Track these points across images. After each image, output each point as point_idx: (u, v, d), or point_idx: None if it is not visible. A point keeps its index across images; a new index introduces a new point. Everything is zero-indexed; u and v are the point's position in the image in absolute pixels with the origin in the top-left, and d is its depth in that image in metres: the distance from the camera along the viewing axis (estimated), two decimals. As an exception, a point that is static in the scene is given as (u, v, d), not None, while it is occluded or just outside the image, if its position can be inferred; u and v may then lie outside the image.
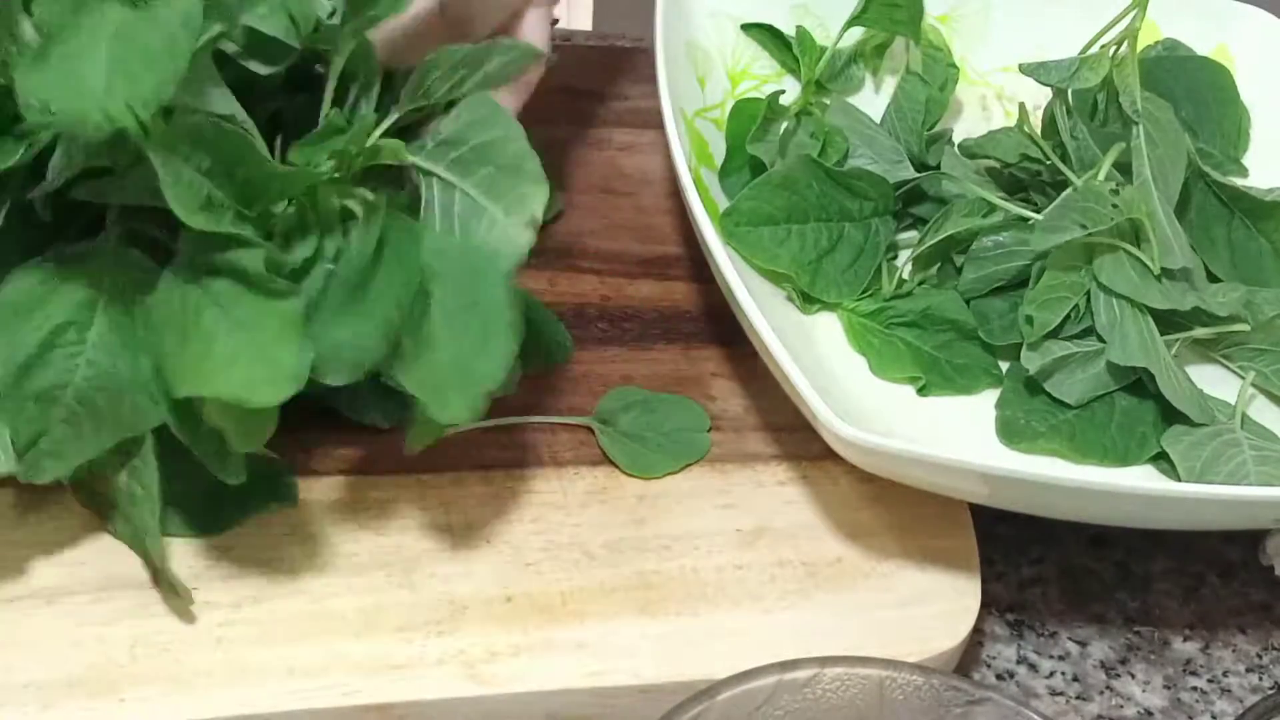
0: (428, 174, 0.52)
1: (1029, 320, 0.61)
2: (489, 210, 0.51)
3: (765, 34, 0.73)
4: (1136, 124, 0.63)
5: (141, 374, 0.48)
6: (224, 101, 0.48)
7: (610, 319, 0.66)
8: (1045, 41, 0.73)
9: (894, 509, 0.58)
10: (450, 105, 0.53)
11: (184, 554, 0.52)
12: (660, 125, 0.62)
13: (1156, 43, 0.76)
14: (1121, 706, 0.58)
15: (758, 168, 0.67)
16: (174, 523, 0.52)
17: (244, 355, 0.43)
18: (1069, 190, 0.62)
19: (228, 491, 0.50)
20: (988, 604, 0.60)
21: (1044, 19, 0.75)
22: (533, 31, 0.61)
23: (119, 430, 0.48)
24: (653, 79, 0.64)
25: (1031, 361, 0.61)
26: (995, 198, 0.65)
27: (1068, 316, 0.61)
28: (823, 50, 0.69)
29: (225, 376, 0.43)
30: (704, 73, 0.70)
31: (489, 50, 0.54)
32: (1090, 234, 0.59)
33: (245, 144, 0.46)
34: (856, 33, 0.72)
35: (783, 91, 0.70)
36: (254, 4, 0.50)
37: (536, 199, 0.51)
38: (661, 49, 0.65)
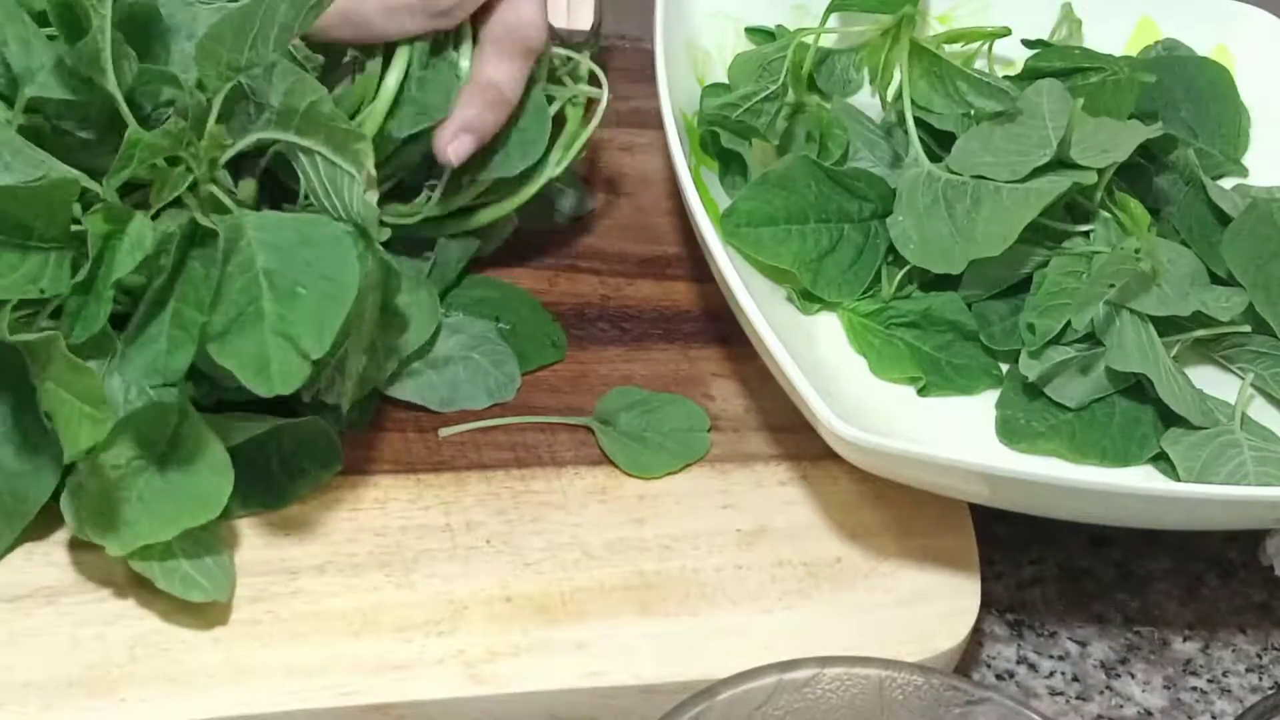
0: (290, 146, 0.52)
1: (1030, 328, 0.61)
2: (342, 167, 0.51)
3: (767, 38, 0.72)
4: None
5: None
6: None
7: (610, 319, 0.66)
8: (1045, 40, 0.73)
9: (894, 509, 0.58)
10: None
11: (184, 554, 0.52)
12: (660, 125, 0.62)
13: (1156, 43, 0.76)
14: (1121, 706, 0.58)
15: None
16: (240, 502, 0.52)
17: (74, 412, 0.45)
18: (1104, 255, 0.61)
19: (279, 467, 0.53)
20: (988, 604, 0.60)
21: (1044, 18, 0.75)
22: (524, 14, 0.59)
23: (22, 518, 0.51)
24: (653, 79, 0.64)
25: (1031, 369, 0.61)
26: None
27: (1068, 323, 0.61)
28: (805, 46, 0.68)
29: (75, 437, 0.45)
30: (704, 73, 0.70)
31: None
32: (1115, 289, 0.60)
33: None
34: (855, 35, 0.72)
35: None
36: (31, 76, 0.50)
37: (366, 154, 0.51)
38: (661, 49, 0.65)
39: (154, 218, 0.50)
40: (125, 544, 0.48)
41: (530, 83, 0.61)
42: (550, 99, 0.63)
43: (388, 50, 0.58)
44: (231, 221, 0.49)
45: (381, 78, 0.58)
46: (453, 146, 0.58)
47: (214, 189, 0.51)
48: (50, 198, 0.47)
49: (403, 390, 0.59)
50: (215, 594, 0.49)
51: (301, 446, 0.54)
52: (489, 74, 0.59)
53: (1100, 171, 0.63)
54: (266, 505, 0.53)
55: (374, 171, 0.51)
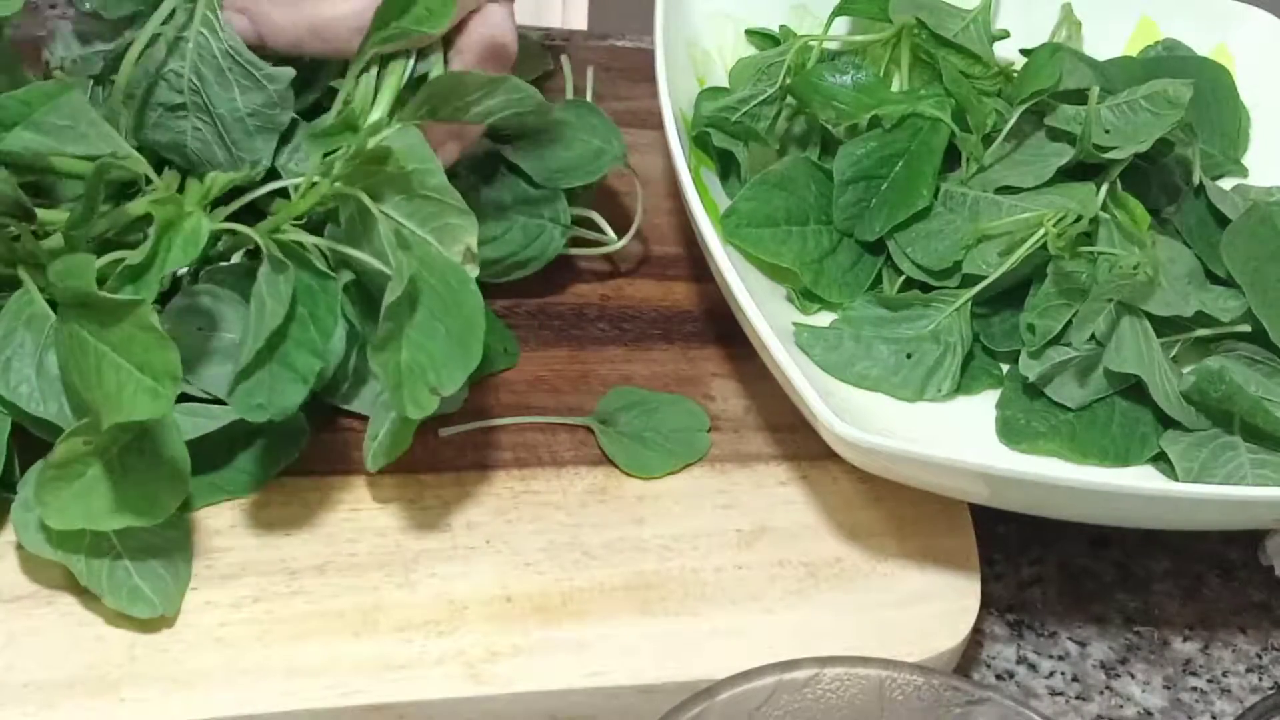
0: (345, 196, 0.52)
1: (1030, 328, 0.61)
2: (418, 236, 0.52)
3: (766, 40, 0.73)
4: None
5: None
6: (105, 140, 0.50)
7: (610, 319, 0.66)
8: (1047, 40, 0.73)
9: (894, 509, 0.58)
10: None
11: (184, 554, 0.52)
12: (660, 125, 0.62)
13: (1156, 43, 0.76)
14: (1121, 706, 0.58)
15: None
16: (208, 492, 0.53)
17: (127, 377, 0.45)
18: (1110, 271, 0.61)
19: (244, 452, 0.53)
20: (988, 604, 0.60)
21: (1045, 17, 0.75)
22: (496, 25, 0.58)
23: None
24: (653, 79, 0.64)
25: (1030, 369, 0.61)
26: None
27: (1068, 322, 0.61)
28: (807, 49, 0.68)
29: (119, 403, 0.45)
30: (704, 73, 0.70)
31: (496, 84, 0.55)
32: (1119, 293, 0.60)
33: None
34: (857, 40, 0.72)
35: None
36: None
37: (467, 230, 0.52)
38: (661, 49, 0.64)
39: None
40: (63, 518, 0.47)
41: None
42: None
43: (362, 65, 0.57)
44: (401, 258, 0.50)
45: (375, 97, 0.57)
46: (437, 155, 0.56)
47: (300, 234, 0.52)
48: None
49: (355, 402, 0.57)
50: (163, 608, 0.49)
51: (264, 433, 0.54)
52: None
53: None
54: (230, 494, 0.53)
55: (476, 249, 0.52)
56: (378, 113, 0.56)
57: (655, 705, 0.50)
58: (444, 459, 0.57)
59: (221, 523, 0.53)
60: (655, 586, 0.54)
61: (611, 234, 0.65)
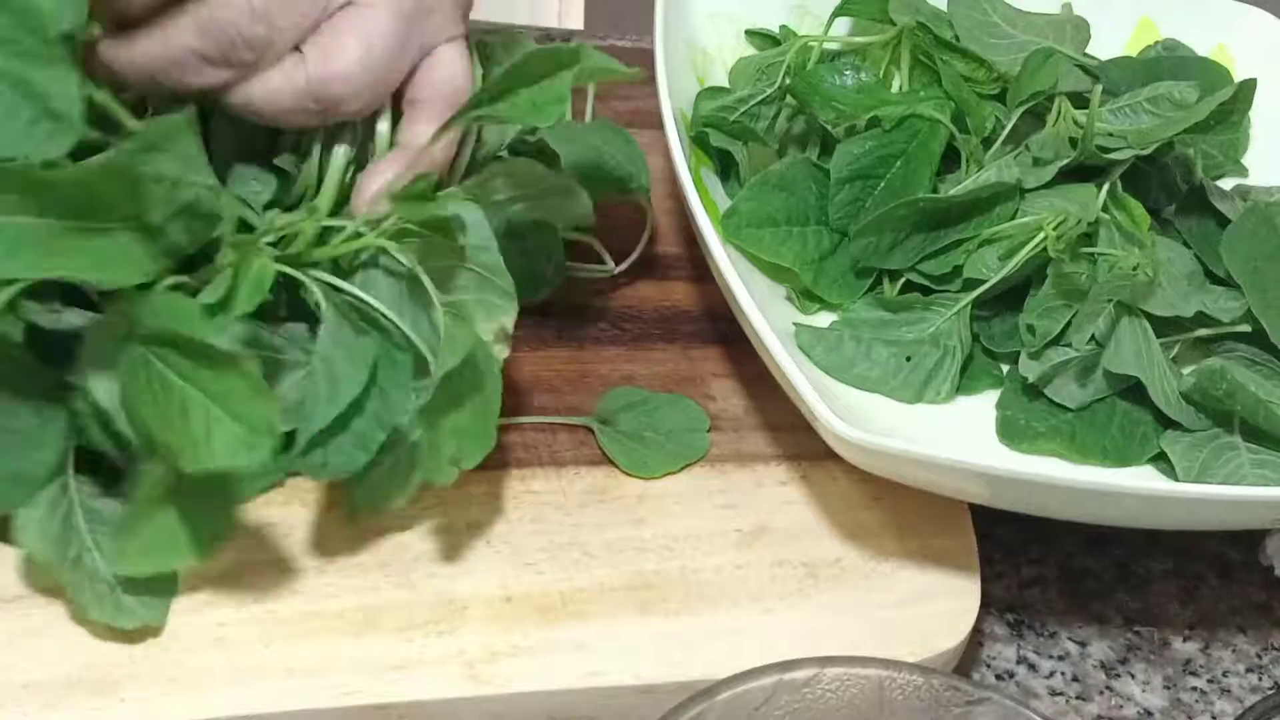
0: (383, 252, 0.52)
1: (1030, 329, 0.61)
2: (465, 313, 0.52)
3: (766, 40, 0.73)
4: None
5: None
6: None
7: (610, 319, 0.66)
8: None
9: (894, 509, 0.58)
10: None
11: (184, 554, 0.52)
12: (660, 125, 0.62)
13: (1156, 43, 0.76)
14: (1121, 706, 0.58)
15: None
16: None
17: (219, 425, 0.44)
18: (1110, 272, 0.61)
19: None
20: (988, 604, 0.60)
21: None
22: (447, 68, 0.56)
23: None
24: (653, 79, 0.64)
25: (1030, 370, 0.61)
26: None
27: (1068, 323, 0.61)
28: (807, 50, 0.68)
29: (209, 450, 0.44)
30: (704, 73, 0.70)
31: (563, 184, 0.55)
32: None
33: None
34: (857, 41, 0.72)
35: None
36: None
37: (505, 311, 0.53)
38: (661, 49, 0.65)
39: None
40: (140, 564, 0.47)
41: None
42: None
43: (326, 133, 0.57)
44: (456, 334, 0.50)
45: (321, 167, 0.56)
46: (368, 207, 0.54)
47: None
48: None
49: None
50: (147, 619, 0.49)
51: None
52: (416, 135, 0.56)
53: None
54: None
55: (510, 331, 0.53)
56: (330, 189, 0.56)
57: (655, 705, 0.50)
58: (444, 459, 0.57)
59: (221, 523, 0.53)
60: (655, 586, 0.54)
61: (610, 262, 0.65)
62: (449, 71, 0.56)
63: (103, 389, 0.47)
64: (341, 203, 0.56)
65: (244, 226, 0.53)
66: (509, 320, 0.53)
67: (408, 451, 0.52)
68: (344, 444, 0.50)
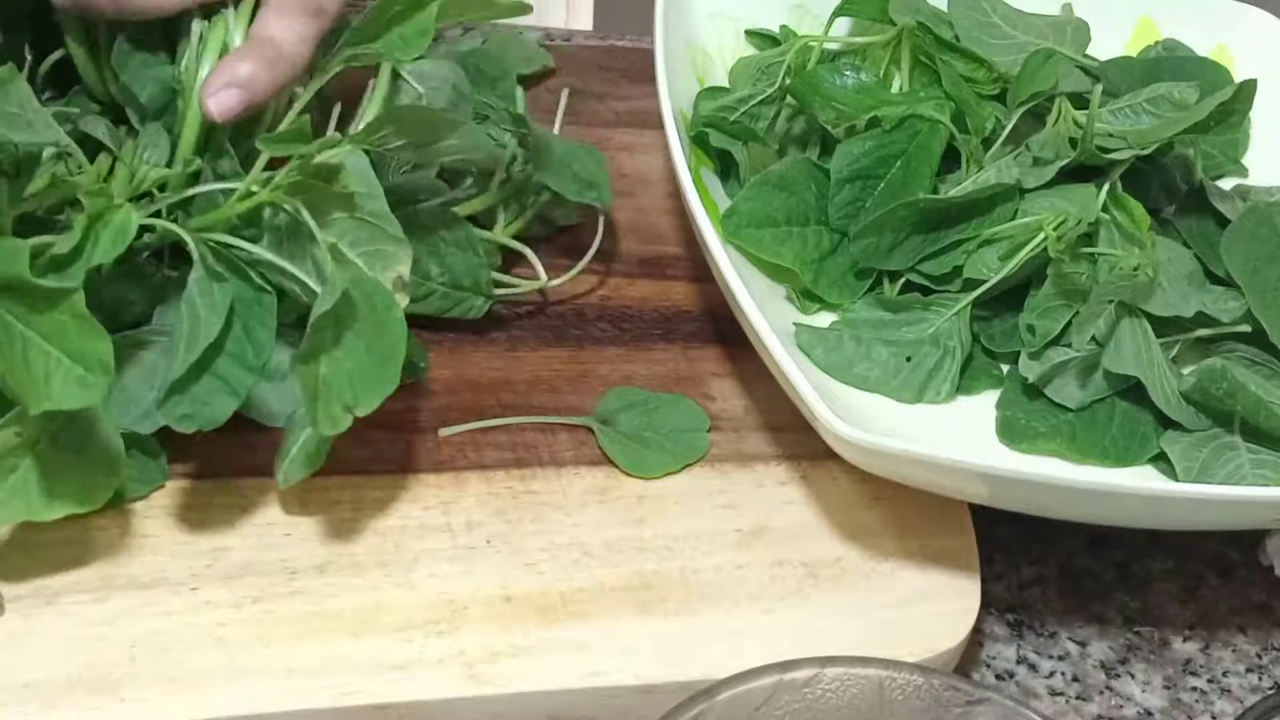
0: (278, 207, 0.52)
1: (1030, 329, 0.61)
2: (349, 256, 0.52)
3: (766, 40, 0.73)
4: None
5: None
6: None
7: (610, 319, 0.66)
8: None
9: (894, 509, 0.58)
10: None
11: (184, 553, 0.52)
12: (660, 125, 0.62)
13: (1156, 43, 0.76)
14: (1121, 706, 0.58)
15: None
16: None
17: (55, 365, 0.45)
18: (1110, 272, 0.61)
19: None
20: (988, 604, 0.60)
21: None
22: None
23: None
24: (653, 79, 0.64)
25: (1030, 370, 0.61)
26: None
27: (1068, 323, 0.61)
28: (807, 50, 0.68)
29: (48, 391, 0.45)
30: (704, 73, 0.70)
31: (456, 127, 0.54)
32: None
33: None
34: (857, 41, 0.72)
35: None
36: None
37: (400, 259, 0.52)
38: (661, 49, 0.65)
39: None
40: (4, 513, 0.48)
41: None
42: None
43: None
44: (339, 276, 0.50)
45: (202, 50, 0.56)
46: (214, 100, 0.53)
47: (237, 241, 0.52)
48: None
49: (254, 411, 0.56)
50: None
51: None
52: (268, 30, 0.55)
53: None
54: (154, 484, 0.53)
55: (408, 278, 0.52)
56: (205, 66, 0.55)
57: (655, 705, 0.50)
58: (444, 459, 0.57)
59: (221, 522, 0.53)
60: (655, 586, 0.54)
61: (543, 275, 0.64)
62: None
63: None
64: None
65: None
66: (404, 268, 0.52)
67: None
68: (210, 391, 0.50)
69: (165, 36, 0.57)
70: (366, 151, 0.53)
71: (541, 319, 0.65)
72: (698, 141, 0.66)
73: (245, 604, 0.51)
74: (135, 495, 0.53)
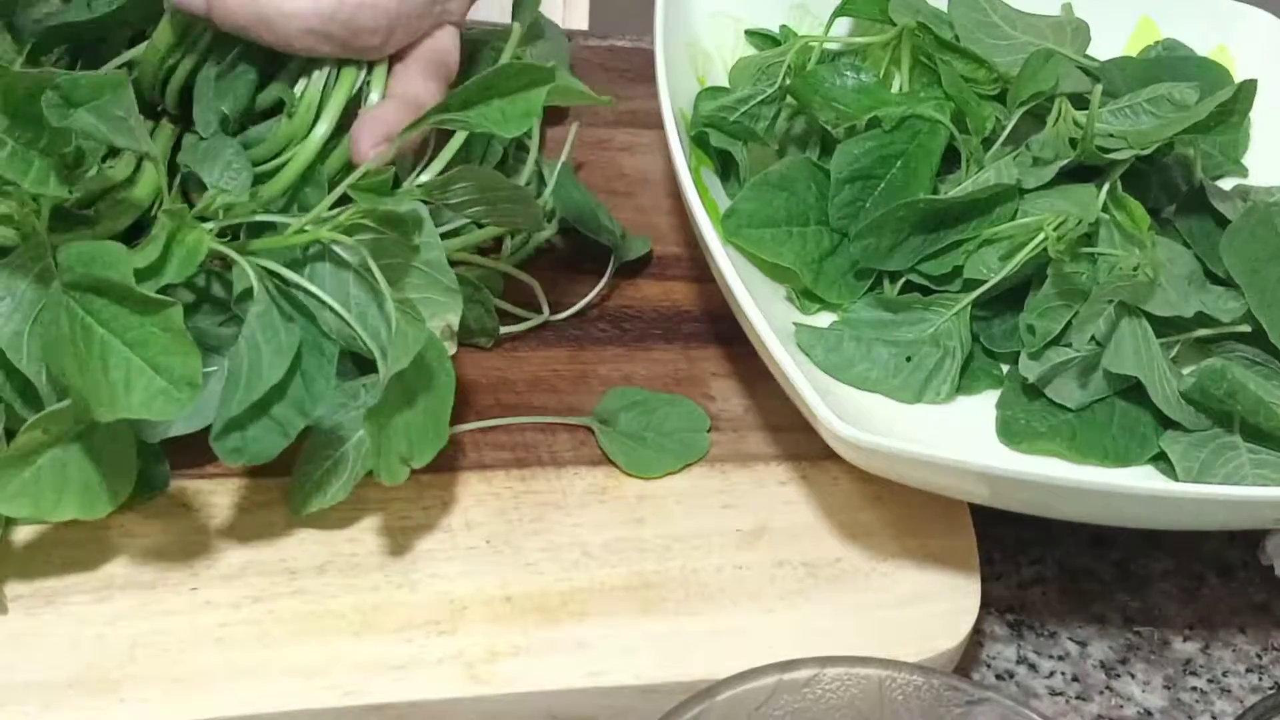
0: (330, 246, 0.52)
1: (1030, 329, 0.61)
2: (414, 313, 0.52)
3: (766, 40, 0.73)
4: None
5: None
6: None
7: (610, 319, 0.66)
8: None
9: (894, 509, 0.58)
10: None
11: (184, 553, 0.52)
12: (660, 125, 0.62)
13: (1156, 43, 0.76)
14: (1121, 706, 0.58)
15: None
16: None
17: (139, 375, 0.44)
18: (1110, 273, 0.61)
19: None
20: (988, 604, 0.60)
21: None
22: (442, 42, 0.60)
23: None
24: (653, 79, 0.64)
25: (1030, 370, 0.61)
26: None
27: (1068, 323, 0.61)
28: (808, 50, 0.69)
29: (127, 399, 0.44)
30: (704, 73, 0.70)
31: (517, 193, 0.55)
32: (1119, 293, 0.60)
33: None
34: (857, 41, 0.72)
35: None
36: None
37: (450, 309, 0.53)
38: (661, 49, 0.65)
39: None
40: (12, 506, 0.47)
41: None
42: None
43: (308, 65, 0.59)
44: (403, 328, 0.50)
45: (317, 116, 0.58)
46: (373, 149, 0.56)
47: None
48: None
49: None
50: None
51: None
52: (414, 89, 0.59)
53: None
54: (156, 490, 0.53)
55: (456, 327, 0.53)
56: (324, 125, 0.57)
57: (655, 705, 0.50)
58: (444, 459, 0.57)
59: (222, 523, 0.53)
60: (655, 586, 0.54)
61: (546, 310, 0.64)
62: (445, 45, 0.60)
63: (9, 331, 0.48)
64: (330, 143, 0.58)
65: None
66: (454, 318, 0.53)
67: (349, 450, 0.52)
68: (263, 430, 0.50)
69: (261, 58, 0.59)
70: (424, 201, 0.53)
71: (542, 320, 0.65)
72: (698, 141, 0.66)
73: (245, 604, 0.51)
74: (137, 500, 0.53)
